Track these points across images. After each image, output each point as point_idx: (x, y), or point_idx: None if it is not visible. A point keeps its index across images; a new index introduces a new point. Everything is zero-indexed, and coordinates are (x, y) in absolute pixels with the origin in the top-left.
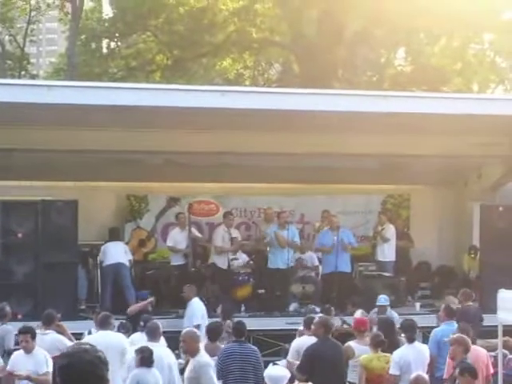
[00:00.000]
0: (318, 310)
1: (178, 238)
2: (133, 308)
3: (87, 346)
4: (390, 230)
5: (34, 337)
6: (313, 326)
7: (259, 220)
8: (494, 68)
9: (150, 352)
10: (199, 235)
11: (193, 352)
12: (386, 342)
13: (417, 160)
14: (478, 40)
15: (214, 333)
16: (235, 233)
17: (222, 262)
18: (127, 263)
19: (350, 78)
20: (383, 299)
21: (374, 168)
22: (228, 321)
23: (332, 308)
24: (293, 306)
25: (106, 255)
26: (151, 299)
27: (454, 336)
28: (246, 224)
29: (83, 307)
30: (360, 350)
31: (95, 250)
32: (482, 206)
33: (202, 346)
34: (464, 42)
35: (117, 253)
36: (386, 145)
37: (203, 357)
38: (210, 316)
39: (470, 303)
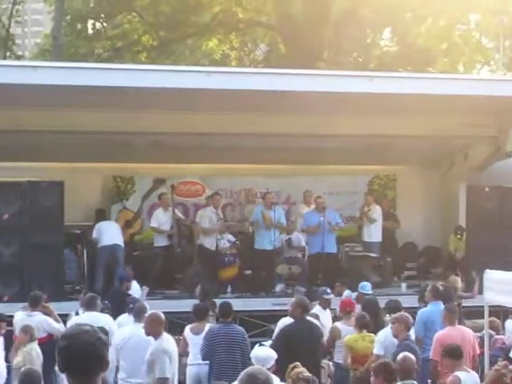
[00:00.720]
0: (303, 290)
1: (161, 218)
2: None
3: (88, 327)
4: (377, 211)
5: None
6: (289, 307)
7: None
8: (479, 49)
9: None
10: (182, 216)
11: (155, 335)
12: (372, 323)
13: (403, 141)
14: (464, 20)
15: (200, 312)
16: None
17: (209, 243)
18: (122, 244)
19: (336, 59)
20: (368, 287)
21: (361, 149)
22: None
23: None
24: (279, 287)
25: (103, 235)
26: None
27: (396, 315)
28: (232, 205)
29: (76, 287)
30: (346, 331)
31: (85, 232)
32: (469, 187)
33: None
34: (450, 22)
35: (113, 233)
36: (373, 125)
37: (163, 342)
38: (190, 297)
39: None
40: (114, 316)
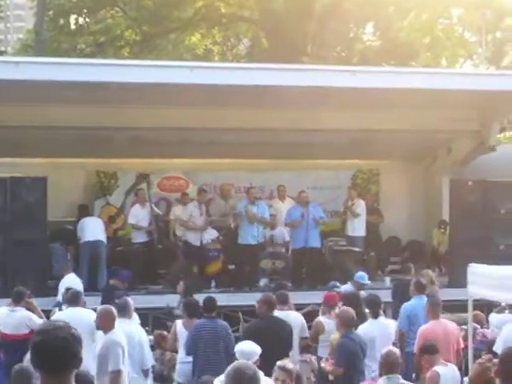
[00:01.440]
0: (288, 285)
1: (139, 215)
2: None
3: (61, 323)
4: (360, 205)
5: None
6: (256, 304)
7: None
8: (462, 43)
9: None
10: (159, 212)
11: (106, 328)
12: (357, 322)
13: (386, 135)
14: (447, 15)
15: (191, 309)
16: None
17: (194, 238)
18: (105, 240)
19: (320, 53)
20: (365, 278)
21: (344, 143)
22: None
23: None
24: (263, 282)
25: (85, 232)
26: None
27: (337, 311)
28: (214, 200)
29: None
30: (330, 325)
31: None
32: (452, 181)
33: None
34: (433, 16)
35: (95, 229)
36: (356, 120)
37: (114, 334)
38: (172, 292)
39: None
40: None
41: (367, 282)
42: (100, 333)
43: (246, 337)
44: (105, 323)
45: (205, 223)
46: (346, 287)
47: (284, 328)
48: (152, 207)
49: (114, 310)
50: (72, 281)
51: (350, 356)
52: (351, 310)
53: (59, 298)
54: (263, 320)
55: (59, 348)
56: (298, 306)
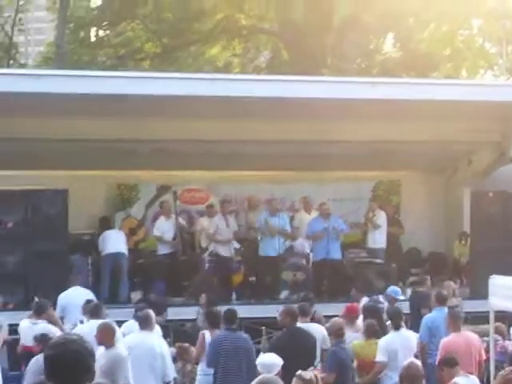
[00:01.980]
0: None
1: (164, 227)
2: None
3: (74, 337)
4: (381, 217)
5: None
6: (278, 316)
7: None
8: (482, 54)
9: None
10: (184, 223)
11: (108, 343)
12: (380, 331)
13: (407, 146)
14: (467, 26)
15: (214, 319)
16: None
17: (224, 250)
18: (127, 253)
19: (339, 65)
20: (399, 293)
21: (364, 154)
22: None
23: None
24: (284, 294)
25: (106, 244)
26: None
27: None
28: (237, 212)
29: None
30: (350, 337)
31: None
32: (473, 192)
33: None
34: (453, 27)
35: (117, 242)
36: (376, 131)
37: (118, 349)
38: (188, 305)
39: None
40: None
41: (401, 297)
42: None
43: (272, 349)
44: (106, 338)
45: (232, 235)
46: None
47: (308, 339)
48: (178, 219)
49: (114, 325)
50: (63, 295)
51: (341, 364)
52: (340, 320)
53: (62, 312)
54: (288, 331)
55: (72, 361)
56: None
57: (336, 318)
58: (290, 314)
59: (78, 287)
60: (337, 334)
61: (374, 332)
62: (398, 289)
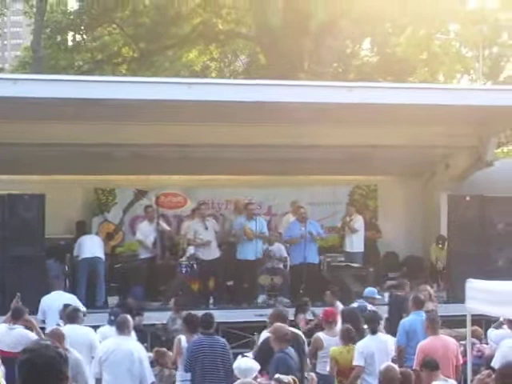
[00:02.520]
0: (286, 300)
1: (146, 231)
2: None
3: (48, 342)
4: (359, 221)
5: None
6: (268, 319)
7: (227, 212)
8: (459, 58)
9: None
10: (167, 228)
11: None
12: (357, 336)
13: (383, 151)
14: (444, 30)
15: (191, 324)
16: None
17: (206, 255)
18: (103, 257)
19: (316, 69)
20: (376, 292)
21: (341, 159)
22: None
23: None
24: (261, 298)
25: (82, 248)
26: None
27: (271, 327)
28: (214, 216)
29: None
30: (329, 341)
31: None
32: (450, 196)
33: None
34: (430, 32)
35: (93, 246)
36: (353, 136)
37: (73, 354)
38: (165, 309)
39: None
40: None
41: (378, 296)
42: None
43: (263, 351)
44: (57, 343)
45: (213, 237)
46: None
47: (298, 340)
48: (159, 223)
49: (63, 331)
50: (45, 299)
51: (288, 370)
52: (285, 326)
53: (43, 315)
54: None
55: (45, 367)
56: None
57: (279, 324)
58: (280, 316)
59: (61, 292)
60: (282, 339)
61: (351, 338)
62: (374, 289)
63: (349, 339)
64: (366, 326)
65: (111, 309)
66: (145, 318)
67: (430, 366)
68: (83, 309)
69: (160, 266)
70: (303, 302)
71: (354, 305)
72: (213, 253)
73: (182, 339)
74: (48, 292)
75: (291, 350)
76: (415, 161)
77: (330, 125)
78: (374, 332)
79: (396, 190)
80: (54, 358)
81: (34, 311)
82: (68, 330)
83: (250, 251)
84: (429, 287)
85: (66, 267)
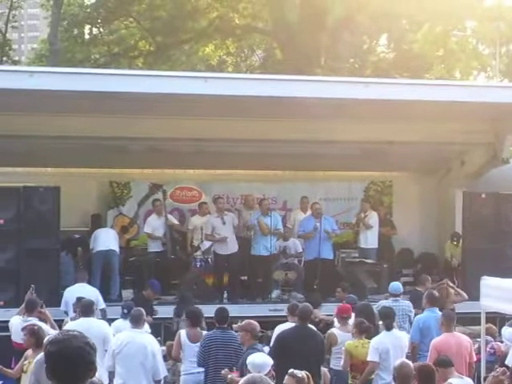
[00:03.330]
0: (300, 296)
1: (155, 224)
2: None
3: (76, 333)
4: (373, 217)
5: None
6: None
7: (241, 206)
8: (476, 55)
9: None
10: (176, 222)
11: (35, 347)
12: (372, 328)
13: (399, 147)
14: (461, 27)
15: (193, 318)
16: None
17: (223, 249)
18: (118, 250)
19: (333, 65)
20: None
21: (357, 155)
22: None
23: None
24: (275, 293)
25: (97, 241)
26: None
27: (241, 323)
28: (230, 210)
29: None
30: (343, 337)
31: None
32: (465, 193)
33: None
34: (446, 29)
35: (108, 239)
36: (369, 131)
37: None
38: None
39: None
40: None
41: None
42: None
43: (274, 343)
44: (29, 343)
45: (231, 232)
46: (384, 302)
47: (315, 338)
48: (168, 217)
49: (42, 327)
50: (67, 292)
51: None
52: (255, 323)
53: (65, 307)
54: (294, 328)
55: (75, 357)
56: None
57: (249, 320)
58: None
59: (85, 284)
60: (254, 336)
61: (364, 329)
62: (399, 284)
63: (362, 331)
64: (380, 322)
65: (124, 302)
66: (158, 312)
67: (444, 363)
68: (103, 306)
69: (172, 259)
70: (315, 298)
71: (384, 302)
72: (230, 247)
73: (182, 333)
74: (62, 284)
75: (260, 346)
76: (431, 157)
77: (345, 120)
78: (388, 328)
79: (411, 186)
80: (83, 348)
81: (48, 303)
82: (82, 322)
83: (263, 247)
84: (450, 284)
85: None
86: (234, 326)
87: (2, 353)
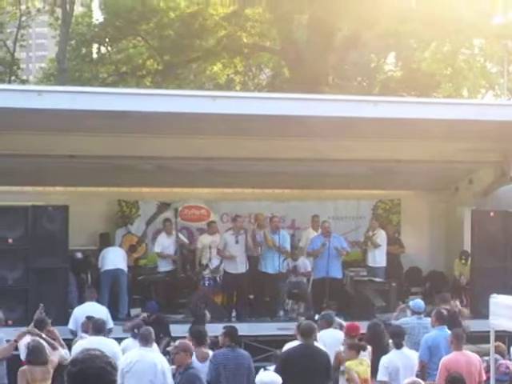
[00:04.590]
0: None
1: (165, 243)
2: (129, 324)
3: (97, 352)
4: (381, 236)
5: None
6: (295, 331)
7: (250, 225)
8: (484, 73)
9: None
10: (186, 241)
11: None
12: (365, 346)
13: (407, 165)
14: (468, 45)
15: (198, 337)
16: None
17: (233, 268)
18: (126, 269)
19: (341, 83)
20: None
21: (365, 173)
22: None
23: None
24: (283, 312)
25: (106, 260)
26: (143, 316)
27: (176, 344)
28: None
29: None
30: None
31: (89, 256)
32: (473, 212)
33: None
34: (454, 47)
35: (116, 258)
36: (377, 150)
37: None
38: (187, 322)
39: (447, 307)
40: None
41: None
42: None
43: (279, 362)
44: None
45: (242, 252)
46: (408, 320)
47: (319, 356)
48: (178, 236)
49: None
50: (77, 309)
51: None
52: (189, 343)
53: (74, 325)
54: (298, 346)
55: (97, 377)
56: None
57: (184, 340)
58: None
59: (95, 303)
60: (190, 355)
61: (362, 347)
62: (421, 301)
63: (359, 349)
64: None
65: (134, 322)
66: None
67: (456, 382)
68: (111, 325)
69: (181, 278)
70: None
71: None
72: (240, 267)
73: None
74: (70, 303)
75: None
76: (439, 176)
77: (354, 139)
78: (398, 346)
79: (419, 204)
80: (105, 368)
81: (56, 322)
82: (92, 341)
83: (270, 264)
84: (458, 303)
85: (87, 279)
86: (169, 348)
87: (12, 372)
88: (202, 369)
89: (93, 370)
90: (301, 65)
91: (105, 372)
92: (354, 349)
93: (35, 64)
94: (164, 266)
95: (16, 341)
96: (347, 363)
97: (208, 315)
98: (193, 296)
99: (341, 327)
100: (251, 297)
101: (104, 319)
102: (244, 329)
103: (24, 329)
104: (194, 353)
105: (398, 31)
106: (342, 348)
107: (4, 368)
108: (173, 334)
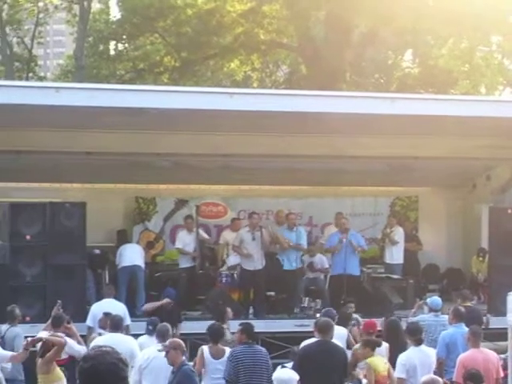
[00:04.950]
0: (334, 312)
1: (186, 239)
2: (149, 306)
3: (108, 349)
4: (399, 233)
5: None
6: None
7: (267, 222)
8: (501, 70)
9: None
10: (207, 237)
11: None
12: (393, 344)
13: (425, 162)
14: (486, 42)
15: (215, 335)
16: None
17: (251, 265)
18: (143, 266)
19: (358, 80)
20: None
21: (383, 170)
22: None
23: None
24: (300, 308)
25: (123, 257)
26: (167, 300)
27: (167, 344)
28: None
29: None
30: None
31: (107, 253)
32: (491, 209)
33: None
34: (472, 44)
35: (133, 255)
36: (394, 147)
37: None
38: (204, 319)
39: (469, 304)
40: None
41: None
42: None
43: (297, 358)
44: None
45: (259, 249)
46: (425, 317)
47: (337, 353)
48: (199, 232)
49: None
50: (95, 306)
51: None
52: (180, 341)
53: (92, 322)
54: (316, 343)
55: (108, 373)
56: None
57: (175, 339)
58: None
59: (113, 300)
60: (182, 353)
61: (376, 343)
62: (439, 298)
63: (374, 346)
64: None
65: (149, 318)
66: (184, 328)
67: (474, 378)
68: (128, 322)
69: (200, 275)
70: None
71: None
72: (257, 264)
73: (205, 349)
74: (88, 300)
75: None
76: (456, 172)
77: (371, 135)
78: (417, 344)
79: (437, 201)
80: (116, 364)
81: (74, 319)
82: (109, 338)
83: (287, 261)
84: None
85: (104, 276)
86: (159, 348)
87: (30, 368)
88: (217, 365)
89: (104, 366)
90: (318, 61)
91: (116, 368)
92: (369, 346)
93: (53, 61)
94: (184, 263)
95: (26, 349)
96: (368, 360)
97: (230, 312)
98: (210, 293)
99: (358, 324)
100: (272, 293)
101: (121, 316)
102: (261, 326)
103: (42, 325)
104: (187, 351)
105: (416, 28)
106: (357, 345)
107: (20, 364)
108: (190, 332)
